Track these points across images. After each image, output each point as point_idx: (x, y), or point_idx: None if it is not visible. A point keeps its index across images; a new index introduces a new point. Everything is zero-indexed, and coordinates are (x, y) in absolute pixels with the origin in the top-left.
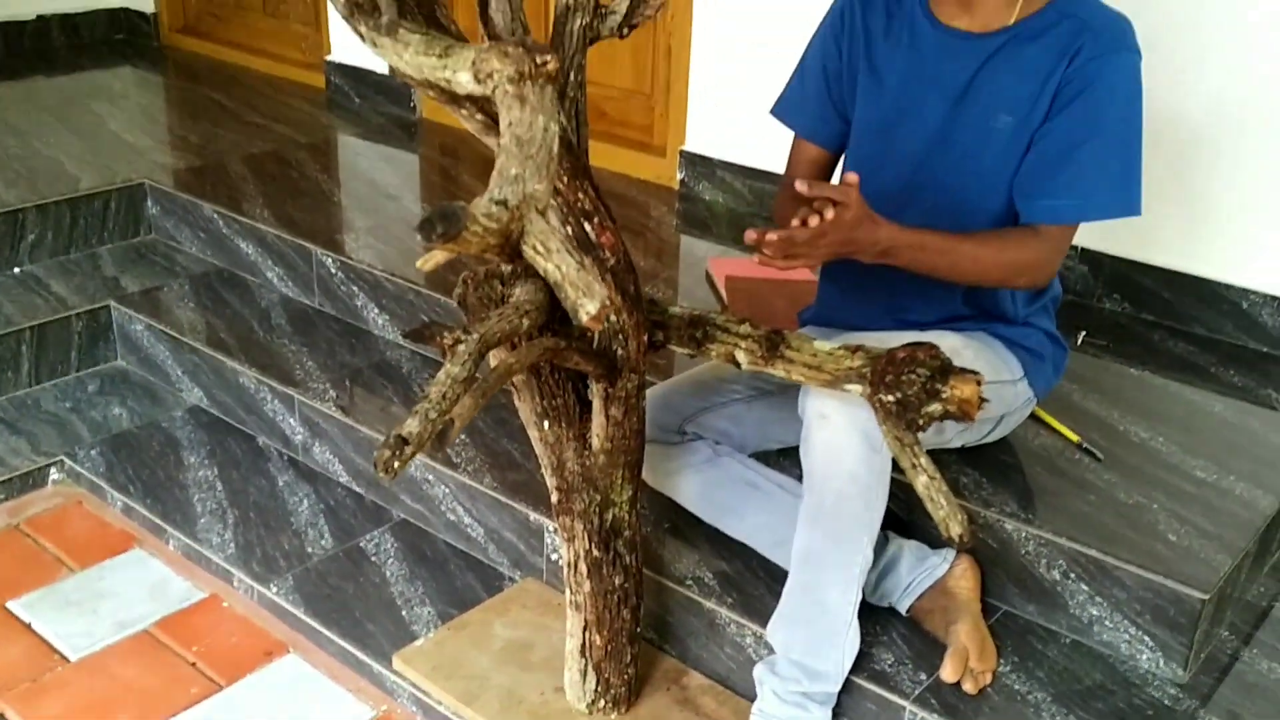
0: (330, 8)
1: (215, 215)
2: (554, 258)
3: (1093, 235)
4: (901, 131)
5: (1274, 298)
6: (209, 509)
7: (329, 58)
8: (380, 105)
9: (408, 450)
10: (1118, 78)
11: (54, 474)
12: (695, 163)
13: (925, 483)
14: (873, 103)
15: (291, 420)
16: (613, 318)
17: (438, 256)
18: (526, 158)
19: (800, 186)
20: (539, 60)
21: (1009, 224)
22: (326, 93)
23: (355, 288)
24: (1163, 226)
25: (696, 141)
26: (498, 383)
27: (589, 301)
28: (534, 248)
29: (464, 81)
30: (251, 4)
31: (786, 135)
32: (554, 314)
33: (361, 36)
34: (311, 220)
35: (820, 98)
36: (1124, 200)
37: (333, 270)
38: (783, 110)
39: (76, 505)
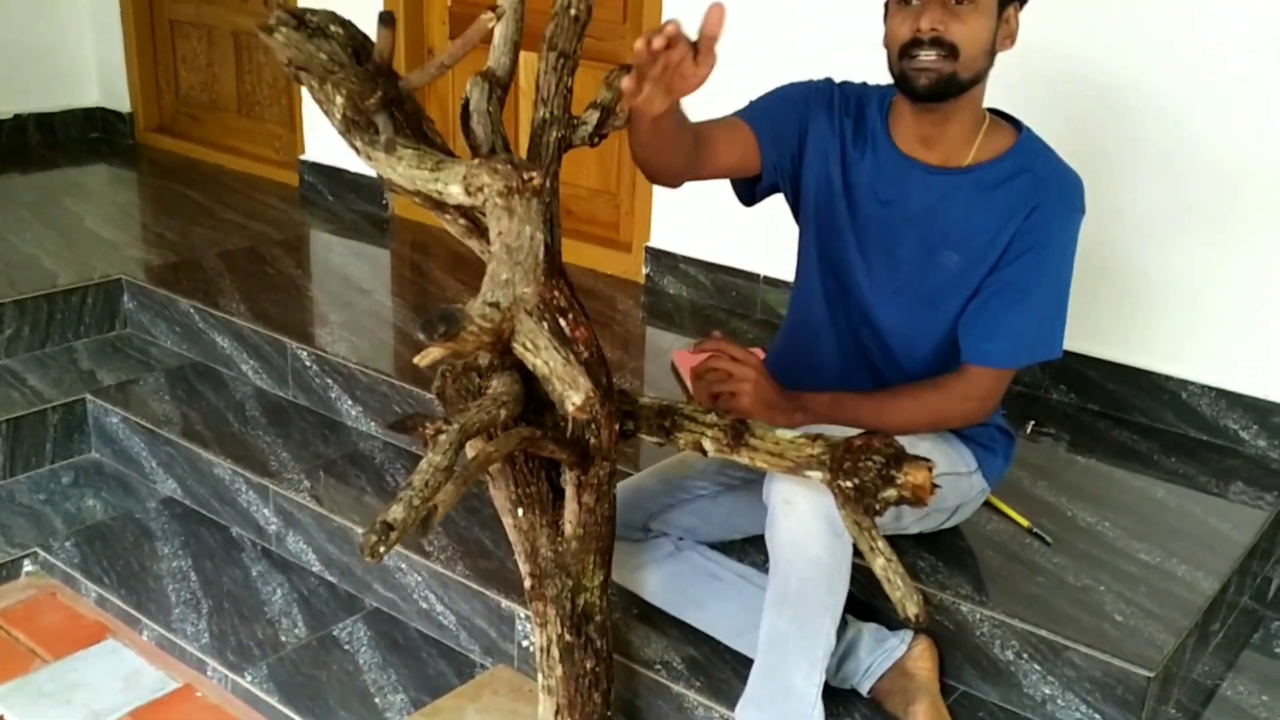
0: (305, 108)
1: (191, 310)
2: (542, 353)
3: None
4: (848, 243)
5: (1211, 388)
6: (183, 599)
7: (303, 156)
8: (353, 202)
9: (393, 535)
10: (1066, 237)
11: (28, 566)
12: (660, 258)
13: (883, 565)
14: (827, 194)
15: (265, 510)
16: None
17: (435, 353)
18: (515, 264)
19: (718, 340)
20: (526, 176)
21: (947, 352)
22: (300, 190)
23: (329, 380)
24: (1106, 321)
25: (661, 238)
26: (477, 470)
27: (574, 393)
28: (524, 345)
29: (455, 193)
30: (227, 104)
31: (745, 231)
32: (529, 404)
33: (357, 150)
34: (286, 314)
35: (786, 123)
36: (1052, 346)
37: (307, 363)
38: (750, 108)
39: (50, 597)
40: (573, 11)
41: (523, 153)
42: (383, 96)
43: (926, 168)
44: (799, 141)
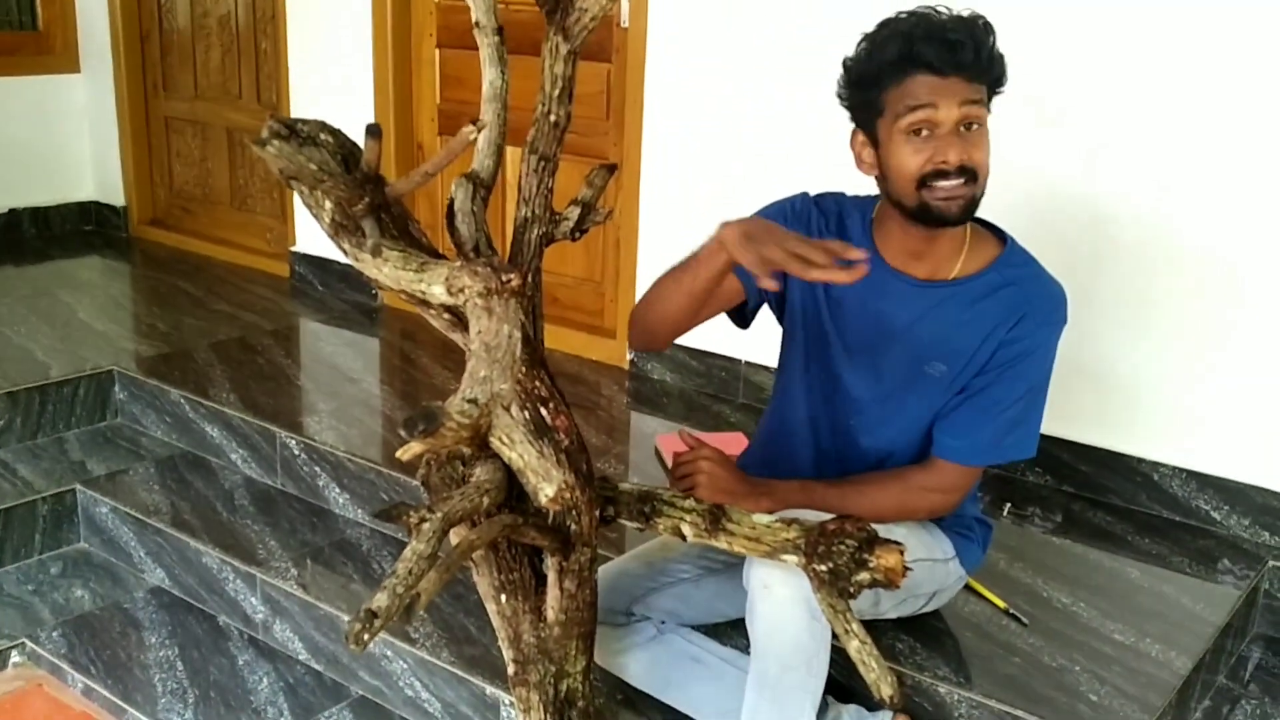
0: (296, 201)
1: (181, 400)
2: (517, 447)
3: None
4: (835, 353)
5: (1182, 470)
6: (169, 689)
7: (294, 248)
8: (343, 292)
9: (377, 624)
10: (1047, 347)
11: (15, 657)
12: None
13: (857, 647)
14: (813, 310)
15: (253, 599)
16: (567, 495)
17: (415, 448)
18: (493, 361)
19: (684, 436)
20: (504, 278)
21: (923, 456)
22: (291, 281)
23: (318, 468)
24: (1080, 405)
25: None
26: (460, 558)
27: (548, 485)
28: (500, 439)
29: (438, 294)
30: (219, 198)
31: (726, 319)
32: (511, 491)
33: (345, 252)
34: (275, 404)
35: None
36: (1025, 446)
37: (296, 452)
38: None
39: (37, 688)
40: (553, 118)
41: (506, 249)
42: (370, 203)
43: (914, 281)
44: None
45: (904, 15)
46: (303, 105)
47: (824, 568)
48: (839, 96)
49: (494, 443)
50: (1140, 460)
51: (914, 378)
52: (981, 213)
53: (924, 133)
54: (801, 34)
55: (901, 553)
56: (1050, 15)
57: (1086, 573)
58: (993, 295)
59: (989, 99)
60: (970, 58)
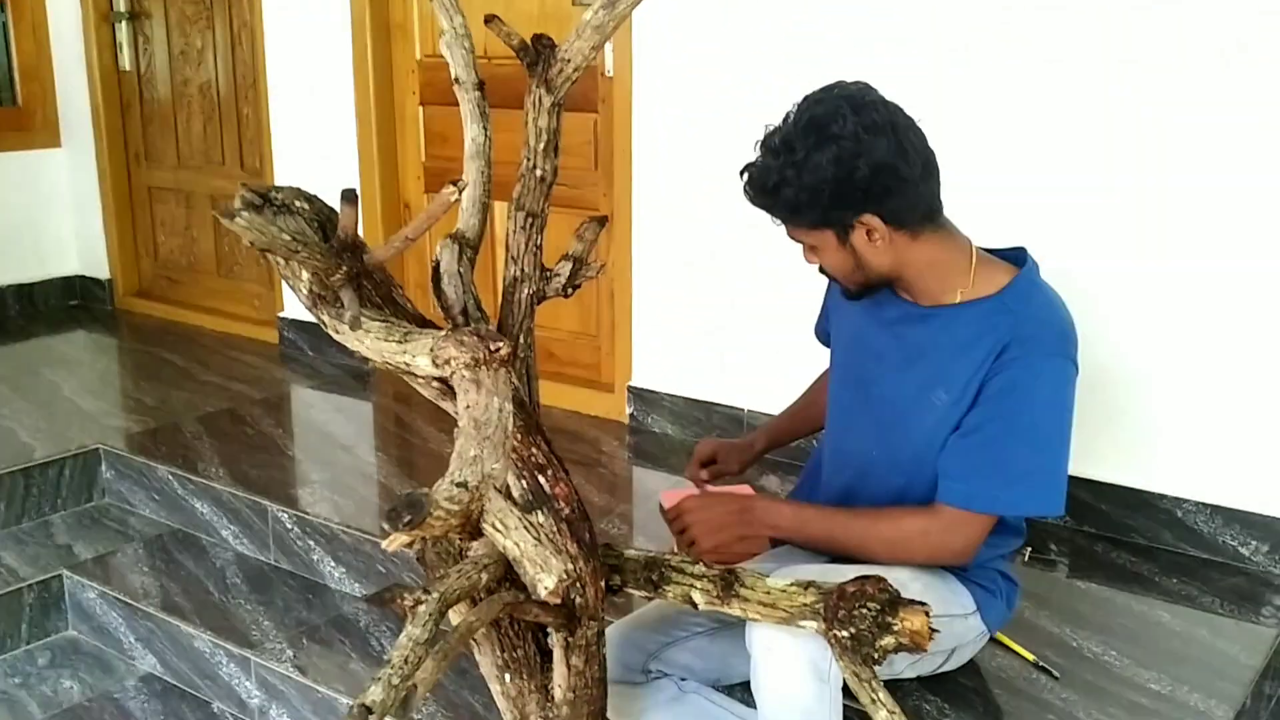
0: None
1: (169, 476)
2: (512, 534)
3: None
4: (854, 381)
5: (1207, 505)
6: None
7: (282, 314)
8: (333, 356)
9: (371, 719)
10: (1037, 383)
11: None
12: (643, 397)
13: (885, 717)
14: (838, 342)
15: (248, 683)
16: (569, 584)
17: (401, 540)
18: (484, 439)
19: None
20: (493, 347)
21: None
22: (280, 347)
23: (311, 542)
24: (1096, 440)
25: (643, 377)
26: (459, 643)
27: (546, 576)
28: (493, 525)
29: (423, 365)
30: (205, 267)
31: (728, 365)
32: (510, 567)
33: (324, 324)
34: (266, 476)
35: (824, 313)
36: (1043, 500)
37: (288, 525)
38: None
39: None
40: (539, 173)
41: (496, 309)
42: (348, 272)
43: (914, 307)
44: (831, 308)
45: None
46: (286, 169)
47: (846, 633)
48: None
49: (487, 529)
50: (1162, 496)
51: (924, 407)
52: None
53: None
54: (792, 81)
55: (928, 614)
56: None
57: (1115, 618)
58: (986, 322)
59: (819, 222)
60: (760, 203)
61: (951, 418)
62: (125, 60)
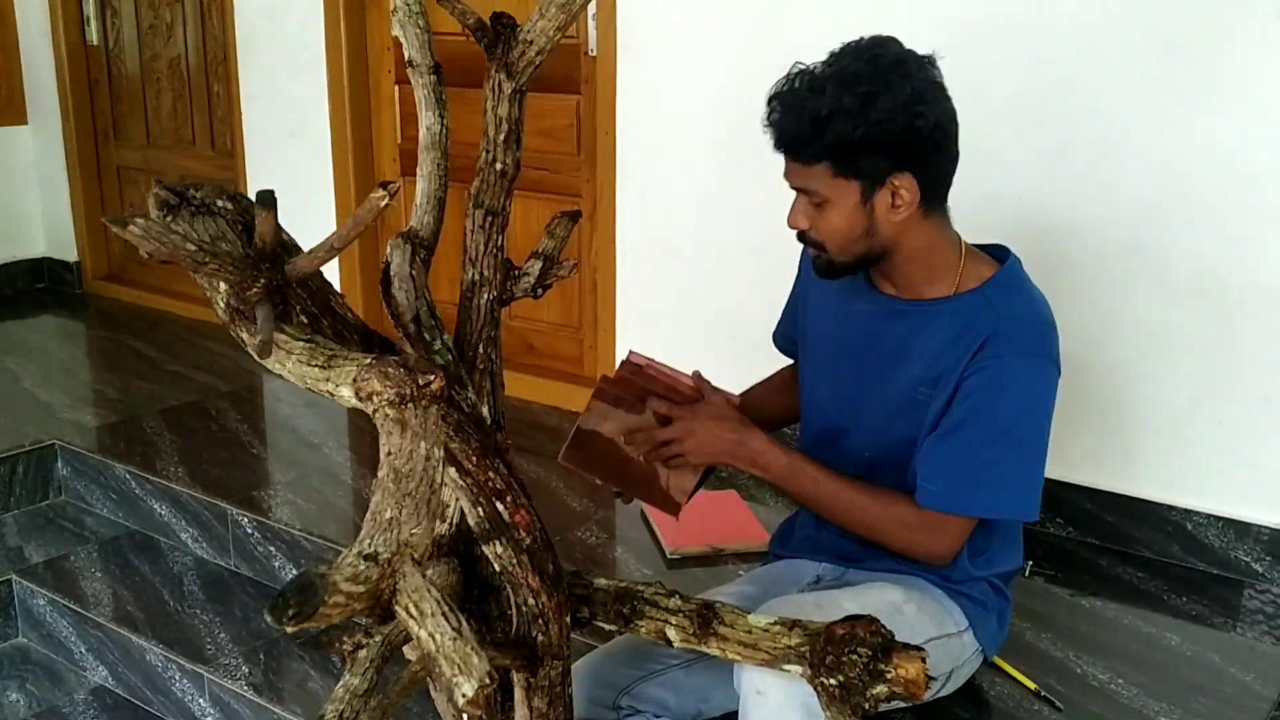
0: None
1: (127, 475)
2: (428, 623)
3: None
4: (833, 383)
5: (1218, 518)
6: None
7: None
8: None
9: None
10: (1013, 382)
11: None
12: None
13: None
14: (814, 341)
15: (201, 700)
16: (530, 600)
17: (291, 629)
18: (405, 495)
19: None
20: (421, 381)
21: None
22: None
23: (272, 548)
24: (1100, 447)
25: None
26: (401, 696)
27: (465, 681)
28: (406, 609)
29: (347, 397)
30: None
31: (711, 360)
32: (471, 592)
33: (243, 343)
34: (228, 477)
35: (788, 324)
36: (1016, 504)
37: (249, 530)
38: (775, 335)
39: None
40: (499, 166)
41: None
42: (266, 285)
43: (894, 300)
44: (800, 309)
45: (779, 83)
46: (258, 150)
47: (834, 681)
48: None
49: (399, 613)
50: (1171, 507)
51: (909, 404)
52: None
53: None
54: (784, 59)
55: (924, 659)
56: (1041, 31)
57: (1122, 640)
58: (966, 317)
59: (849, 168)
60: (786, 141)
61: (932, 414)
62: (93, 34)
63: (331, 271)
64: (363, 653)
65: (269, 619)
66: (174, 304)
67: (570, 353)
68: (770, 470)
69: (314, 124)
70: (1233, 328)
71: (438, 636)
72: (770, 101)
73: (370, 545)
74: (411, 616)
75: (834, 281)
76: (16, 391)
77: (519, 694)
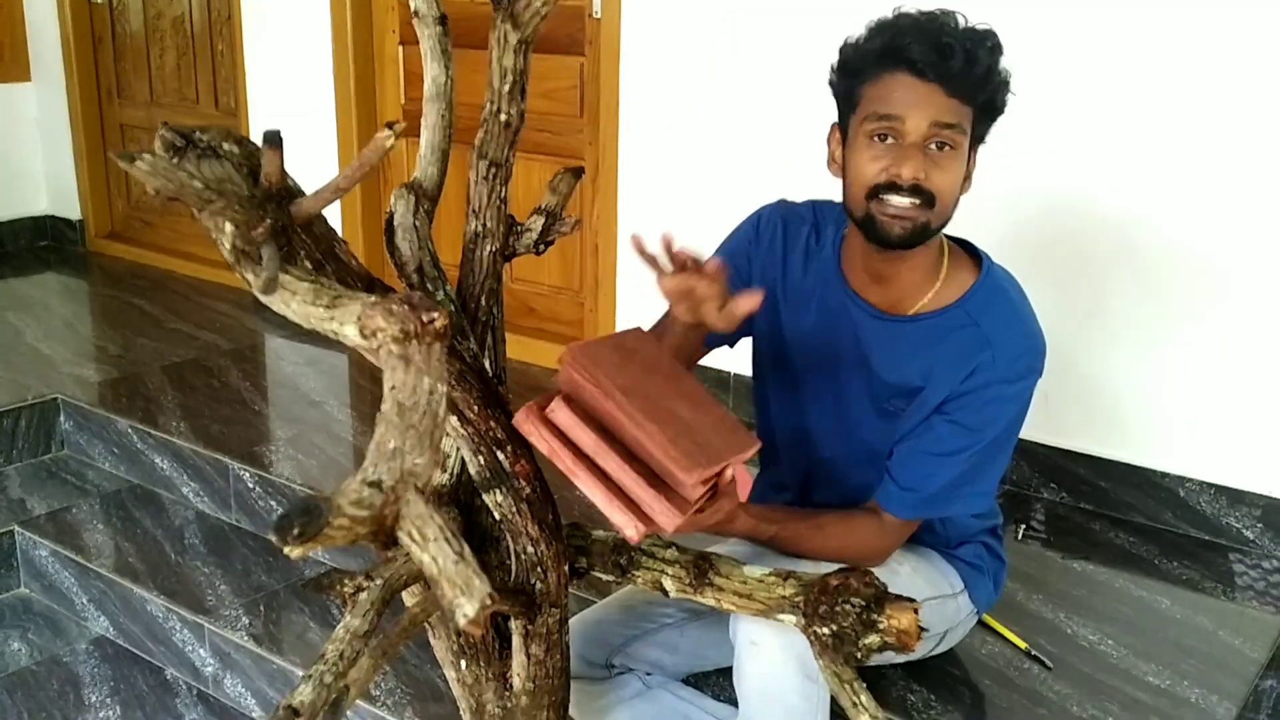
0: None
1: (129, 430)
2: (430, 547)
3: (1026, 425)
4: (796, 383)
5: (1210, 484)
6: None
7: None
8: None
9: None
10: (1006, 405)
11: None
12: None
13: None
14: (775, 335)
15: (201, 650)
16: (529, 549)
17: (298, 550)
18: (408, 427)
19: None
20: (426, 319)
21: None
22: (254, 294)
23: (274, 503)
24: (1095, 414)
25: None
26: (400, 638)
27: (467, 601)
28: (410, 534)
29: (350, 335)
30: (180, 208)
31: None
32: (470, 541)
33: (248, 284)
34: (230, 433)
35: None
36: (979, 503)
37: (250, 485)
38: None
39: None
40: (503, 117)
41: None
42: (271, 225)
43: (874, 312)
44: (769, 310)
45: (914, 11)
46: (261, 109)
47: (827, 631)
48: (830, 83)
49: (403, 539)
50: (1165, 475)
51: (878, 414)
52: (995, 223)
53: (888, 139)
54: (790, 23)
55: (916, 610)
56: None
57: (1113, 603)
58: (952, 336)
59: (977, 124)
60: (958, 67)
61: (906, 425)
62: None
63: (334, 223)
64: (363, 595)
65: (274, 537)
66: (177, 262)
67: (570, 316)
68: (735, 532)
69: (318, 84)
70: (1230, 297)
71: (440, 560)
72: (916, 23)
73: (374, 473)
74: (415, 541)
75: (815, 285)
76: (19, 346)
77: (517, 641)
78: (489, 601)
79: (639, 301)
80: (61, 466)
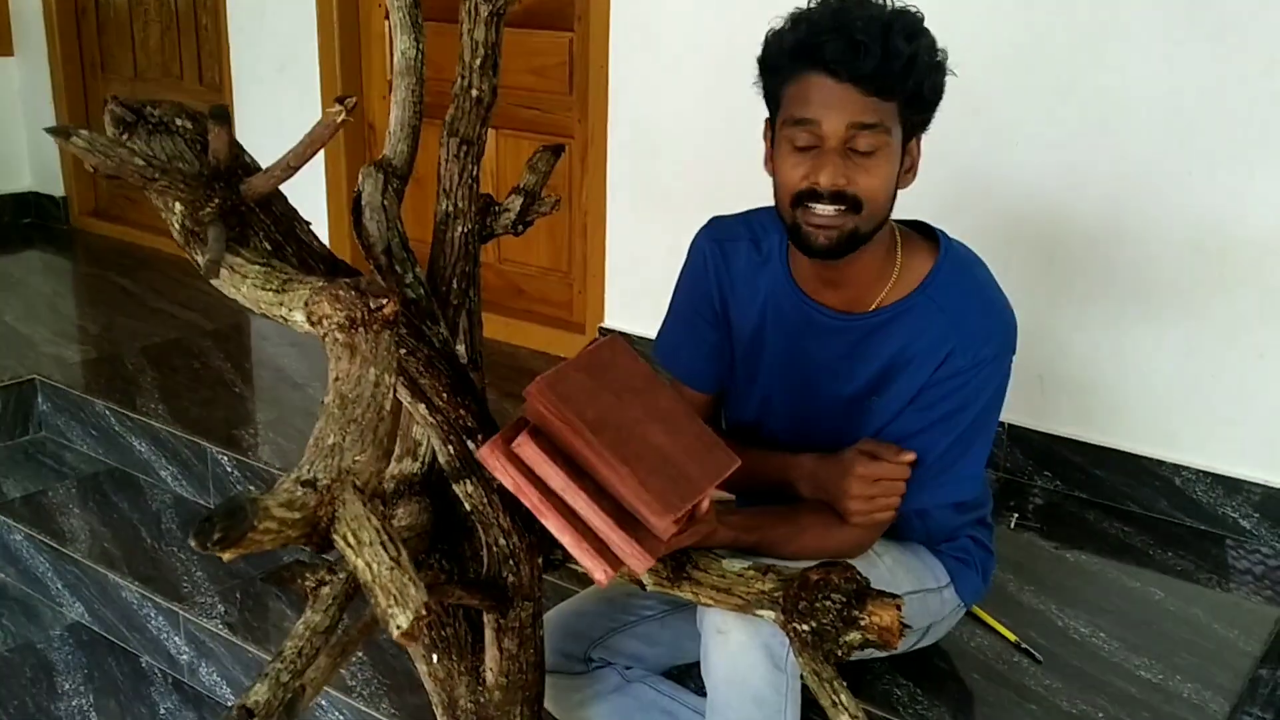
0: None
1: (107, 412)
2: (365, 552)
3: (1018, 412)
4: (766, 399)
5: (1207, 473)
6: None
7: None
8: None
9: None
10: (982, 388)
11: None
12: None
13: None
14: (740, 357)
15: (177, 638)
16: (501, 541)
17: (228, 555)
18: (349, 421)
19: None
20: (373, 305)
21: None
22: None
23: (253, 487)
24: (1089, 401)
25: (615, 317)
26: (360, 635)
27: (400, 612)
28: (344, 537)
29: (300, 322)
30: None
31: None
32: (438, 537)
33: (197, 266)
34: (209, 415)
35: (697, 342)
36: (963, 491)
37: (228, 469)
38: (661, 353)
39: None
40: (475, 93)
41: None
42: (220, 205)
43: (831, 313)
44: (708, 329)
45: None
46: (245, 86)
47: (806, 627)
48: (757, 77)
49: (337, 542)
50: (1160, 462)
51: (850, 416)
52: (988, 204)
53: (808, 144)
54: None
55: (899, 607)
56: None
57: (1105, 595)
58: (916, 327)
59: (908, 116)
60: (873, 64)
61: (880, 418)
62: None
63: (319, 203)
64: (325, 589)
65: (193, 543)
66: (162, 241)
67: (559, 297)
68: (716, 545)
69: (303, 59)
70: (1228, 282)
71: (374, 566)
72: (829, 17)
73: (309, 471)
74: (349, 545)
75: (767, 299)
76: None
77: (489, 635)
78: (424, 612)
79: (629, 286)
80: (38, 449)
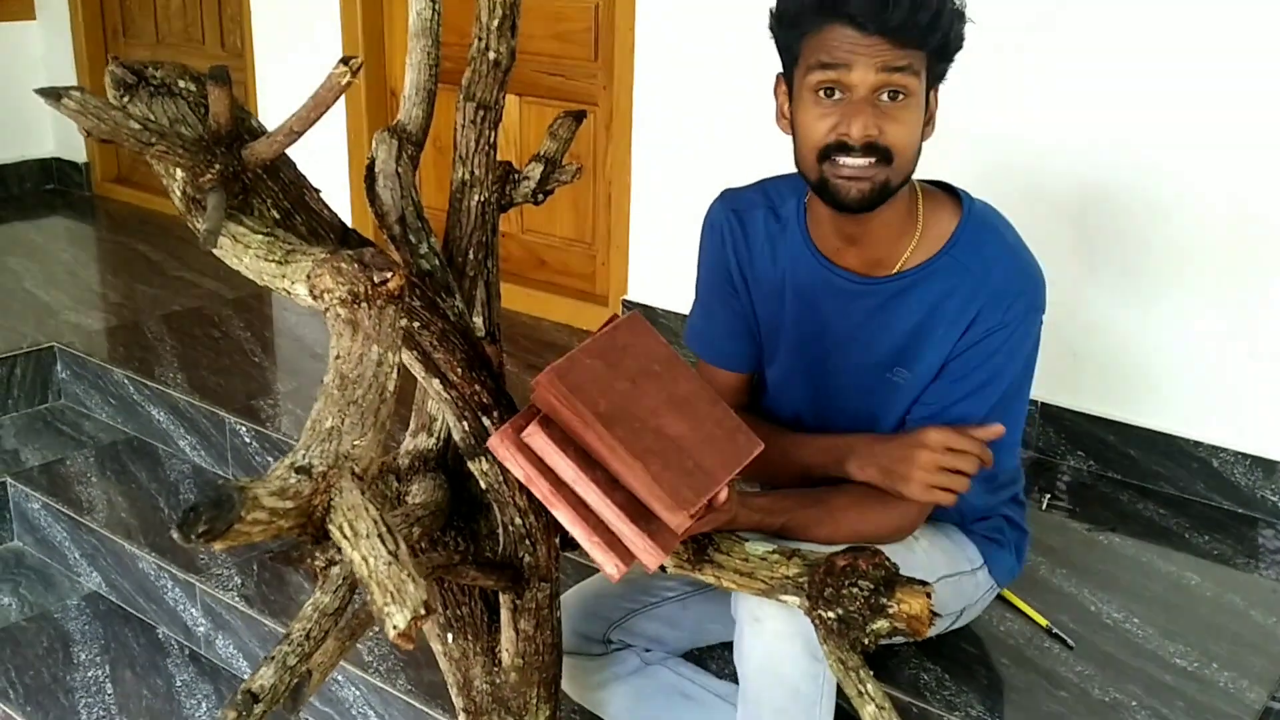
0: None
1: (125, 380)
2: (362, 545)
3: (1051, 389)
4: (792, 370)
5: (1245, 455)
6: (95, 716)
7: None
8: None
9: (257, 709)
10: (1015, 350)
11: None
12: (639, 311)
13: (873, 713)
14: (768, 334)
15: (193, 610)
16: (517, 520)
17: (218, 546)
18: (349, 403)
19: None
20: (377, 279)
21: None
22: None
23: (271, 459)
24: (1123, 379)
25: (638, 290)
26: (370, 618)
27: (398, 611)
28: (340, 528)
29: (303, 296)
30: None
31: None
32: (454, 515)
33: (197, 234)
34: (228, 385)
35: (726, 321)
36: (1003, 461)
37: (247, 440)
38: (692, 339)
39: None
40: (492, 55)
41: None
42: (221, 171)
43: (853, 277)
44: (739, 307)
45: None
46: (266, 51)
47: (832, 614)
48: (770, 29)
49: (333, 532)
50: (1197, 444)
51: (877, 385)
52: (1025, 178)
53: (835, 94)
54: None
55: (928, 595)
56: None
57: (1140, 579)
58: (942, 290)
59: (932, 66)
60: (902, 16)
61: (914, 391)
62: None
63: (341, 172)
64: (335, 570)
65: (176, 535)
66: None
67: (582, 269)
68: (739, 528)
69: (325, 23)
70: (1269, 257)
71: (371, 560)
72: None
73: (305, 457)
74: (345, 537)
75: (786, 268)
76: (18, 292)
77: (505, 615)
78: (424, 611)
79: (653, 258)
80: (57, 417)
